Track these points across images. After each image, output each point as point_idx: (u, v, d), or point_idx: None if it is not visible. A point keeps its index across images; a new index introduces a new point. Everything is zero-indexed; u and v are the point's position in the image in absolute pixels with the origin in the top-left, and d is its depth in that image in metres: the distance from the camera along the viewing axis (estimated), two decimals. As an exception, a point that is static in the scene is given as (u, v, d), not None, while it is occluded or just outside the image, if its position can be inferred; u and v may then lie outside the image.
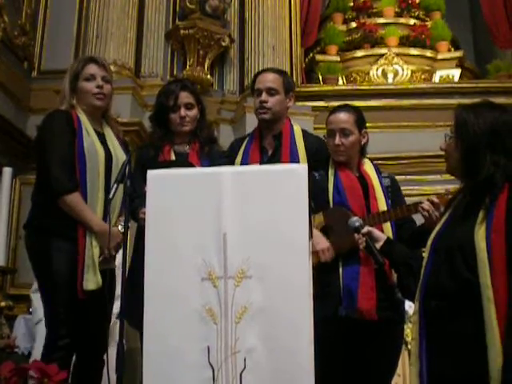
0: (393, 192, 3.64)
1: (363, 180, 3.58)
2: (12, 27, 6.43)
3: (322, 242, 3.40)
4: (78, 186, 3.51)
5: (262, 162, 3.80)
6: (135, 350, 4.23)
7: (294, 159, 3.74)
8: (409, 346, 4.60)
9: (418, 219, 3.50)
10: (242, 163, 3.81)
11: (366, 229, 3.25)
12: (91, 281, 3.45)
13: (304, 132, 3.99)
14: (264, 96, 3.88)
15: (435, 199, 3.32)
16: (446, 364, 2.39)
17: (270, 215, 2.51)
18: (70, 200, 3.48)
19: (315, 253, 3.33)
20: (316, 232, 3.36)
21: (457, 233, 2.47)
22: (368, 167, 3.65)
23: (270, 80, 3.93)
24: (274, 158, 3.81)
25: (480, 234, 2.36)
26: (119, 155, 3.67)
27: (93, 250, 3.49)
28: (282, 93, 3.92)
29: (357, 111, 3.66)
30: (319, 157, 3.70)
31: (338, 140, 3.53)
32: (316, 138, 3.96)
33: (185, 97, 3.84)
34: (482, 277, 2.31)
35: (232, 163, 3.80)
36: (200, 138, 3.86)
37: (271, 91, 3.89)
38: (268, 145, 3.92)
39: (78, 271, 3.45)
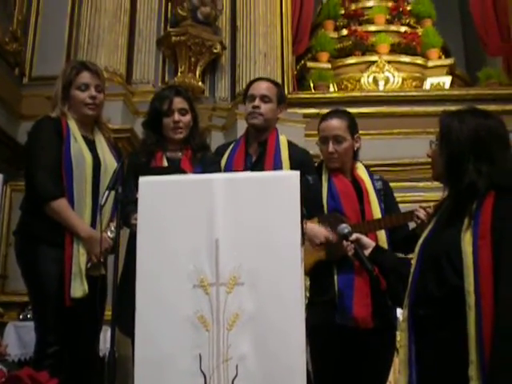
0: (385, 195, 3.64)
1: (357, 184, 3.58)
2: (3, 33, 6.42)
3: (316, 229, 3.42)
4: (64, 192, 3.51)
5: (245, 168, 3.81)
6: (127, 358, 4.22)
7: (277, 167, 3.75)
8: (400, 353, 4.60)
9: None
10: (226, 168, 3.84)
11: (354, 236, 3.22)
12: (78, 289, 3.44)
13: (290, 143, 4.00)
14: (257, 101, 3.90)
15: (429, 210, 3.32)
16: (436, 372, 2.39)
17: (262, 222, 2.50)
18: (56, 206, 3.48)
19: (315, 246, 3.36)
20: (310, 225, 3.35)
21: (443, 239, 2.47)
22: (361, 171, 3.65)
23: (264, 88, 3.97)
24: (258, 165, 3.83)
25: (466, 240, 2.36)
26: (108, 162, 3.66)
27: (79, 258, 3.48)
28: (275, 102, 3.96)
29: (349, 116, 3.65)
30: (304, 169, 3.69)
31: (331, 148, 3.52)
32: (301, 150, 3.99)
33: (179, 102, 3.83)
34: (466, 283, 2.32)
35: (220, 168, 3.81)
36: (192, 145, 3.86)
37: (265, 98, 3.92)
38: (253, 151, 3.94)
39: (65, 279, 3.44)
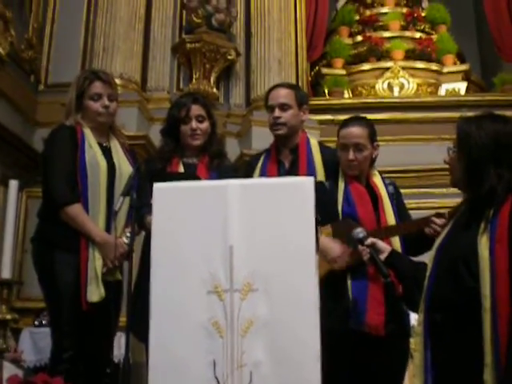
0: (397, 199, 3.65)
1: (371, 191, 3.57)
2: (19, 41, 6.45)
3: (334, 249, 3.39)
4: (79, 198, 3.55)
5: (279, 175, 3.79)
6: (141, 364, 4.22)
7: (311, 172, 3.73)
8: (415, 359, 4.56)
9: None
10: (260, 177, 3.81)
11: (369, 240, 3.21)
12: (94, 293, 3.48)
13: (320, 145, 4.00)
14: (277, 112, 3.89)
15: (444, 219, 3.30)
16: (451, 376, 2.38)
17: (277, 228, 2.50)
18: (70, 211, 3.53)
19: (329, 261, 3.34)
20: (325, 239, 3.35)
21: (460, 243, 2.46)
22: (376, 178, 3.65)
23: (282, 95, 3.94)
24: (292, 171, 3.81)
25: (483, 243, 2.36)
26: (124, 168, 3.69)
27: (95, 262, 3.52)
28: (295, 107, 3.93)
29: (369, 124, 3.64)
30: (336, 169, 3.69)
31: (351, 155, 3.51)
32: (332, 151, 3.95)
33: (196, 109, 3.85)
34: (483, 286, 2.31)
35: (236, 175, 3.79)
36: (210, 151, 3.86)
37: (284, 106, 3.90)
38: (285, 158, 3.92)
39: (81, 283, 3.47)
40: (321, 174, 3.73)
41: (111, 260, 3.51)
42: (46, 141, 3.78)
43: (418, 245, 3.45)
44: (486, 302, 2.29)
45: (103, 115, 3.73)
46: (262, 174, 3.85)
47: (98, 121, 3.74)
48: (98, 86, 3.74)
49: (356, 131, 3.55)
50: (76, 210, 3.54)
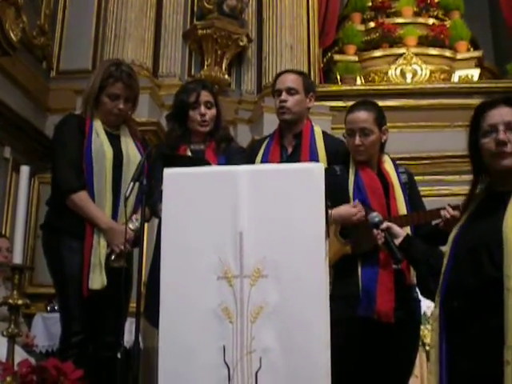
0: (410, 188, 3.61)
1: (383, 178, 3.55)
2: (31, 27, 6.47)
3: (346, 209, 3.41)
4: (84, 186, 3.59)
5: (281, 161, 3.80)
6: (154, 349, 4.24)
7: (313, 158, 3.73)
8: (426, 347, 4.57)
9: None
10: (262, 161, 3.83)
11: (385, 224, 3.19)
12: (96, 280, 3.51)
13: (324, 133, 4.00)
14: (284, 95, 3.90)
15: (457, 212, 3.28)
16: (468, 365, 2.36)
17: (287, 214, 2.49)
18: (76, 198, 3.57)
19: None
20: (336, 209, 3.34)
21: (481, 229, 2.45)
22: (387, 164, 3.61)
23: (289, 80, 3.95)
24: (293, 157, 3.82)
25: (509, 226, 2.34)
26: (132, 156, 3.70)
27: (100, 250, 3.55)
28: (302, 93, 3.93)
29: (376, 108, 3.59)
30: (339, 159, 3.68)
31: (358, 140, 3.48)
32: (336, 140, 3.95)
33: (205, 95, 3.87)
34: (506, 267, 2.29)
35: (252, 163, 3.79)
36: (216, 137, 3.88)
37: (291, 91, 3.90)
38: (288, 144, 3.93)
39: (83, 269, 3.51)
40: (323, 161, 3.71)
41: (117, 246, 3.53)
42: (54, 129, 3.83)
43: (432, 237, 3.43)
44: (509, 283, 2.27)
45: (114, 116, 3.75)
46: (264, 159, 3.86)
47: (108, 119, 3.75)
48: (118, 88, 3.71)
49: (361, 116, 3.51)
50: (82, 197, 3.57)
